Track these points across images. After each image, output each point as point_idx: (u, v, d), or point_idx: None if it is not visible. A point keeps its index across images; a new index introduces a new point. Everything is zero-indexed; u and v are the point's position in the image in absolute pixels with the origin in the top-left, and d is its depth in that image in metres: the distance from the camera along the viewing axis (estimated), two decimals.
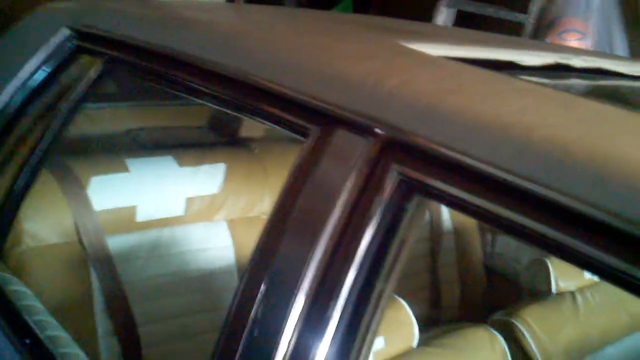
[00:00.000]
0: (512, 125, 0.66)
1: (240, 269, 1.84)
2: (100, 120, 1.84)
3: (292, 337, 0.74)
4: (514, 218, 0.65)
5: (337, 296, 0.73)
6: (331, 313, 0.73)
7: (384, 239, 0.73)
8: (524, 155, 0.63)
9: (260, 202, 1.89)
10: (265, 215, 1.89)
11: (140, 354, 1.61)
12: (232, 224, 1.85)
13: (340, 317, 0.73)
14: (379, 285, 0.73)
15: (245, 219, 1.87)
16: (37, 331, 1.11)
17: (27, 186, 1.35)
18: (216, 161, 1.83)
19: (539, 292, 1.76)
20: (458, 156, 0.67)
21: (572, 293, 1.74)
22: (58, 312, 1.32)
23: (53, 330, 1.15)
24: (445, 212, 2.30)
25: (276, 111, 0.85)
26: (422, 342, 1.32)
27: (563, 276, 1.74)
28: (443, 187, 0.70)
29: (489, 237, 2.41)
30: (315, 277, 0.74)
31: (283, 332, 0.74)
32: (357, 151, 0.74)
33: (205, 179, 1.79)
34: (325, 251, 0.74)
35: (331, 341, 0.73)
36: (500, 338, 1.44)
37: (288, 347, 0.74)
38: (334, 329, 0.73)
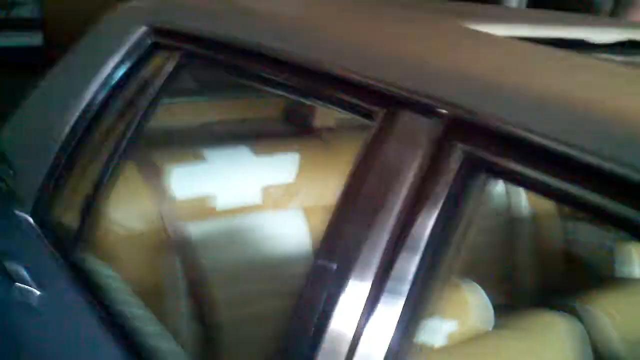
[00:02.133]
0: (576, 100, 0.66)
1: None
2: (179, 114, 1.92)
3: (359, 320, 0.77)
4: (580, 193, 0.65)
5: (404, 279, 0.75)
6: (398, 296, 0.75)
7: (451, 219, 0.74)
8: (587, 130, 0.63)
9: (334, 190, 1.92)
10: None
11: (221, 337, 1.68)
12: (307, 211, 1.89)
13: (407, 300, 0.75)
14: (443, 268, 0.75)
15: (320, 207, 1.91)
16: (125, 311, 1.18)
17: (114, 178, 1.43)
18: (290, 151, 1.87)
19: (620, 278, 1.71)
20: (522, 132, 0.68)
21: None
22: (145, 295, 1.40)
23: (138, 309, 1.23)
24: (523, 198, 2.26)
25: (342, 96, 0.88)
26: (498, 326, 1.32)
27: None
28: (508, 165, 0.70)
29: (569, 223, 2.35)
30: (382, 260, 0.76)
31: (351, 316, 0.77)
32: (422, 132, 0.76)
33: (281, 168, 1.84)
34: (392, 233, 0.76)
35: (397, 324, 0.75)
36: (579, 324, 1.41)
37: (356, 330, 0.77)
38: (401, 313, 0.75)
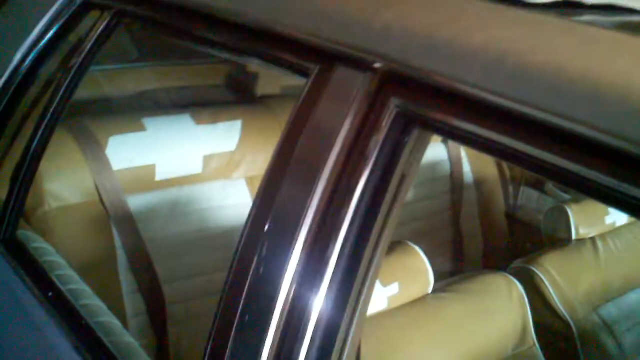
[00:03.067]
0: (508, 51, 0.64)
1: None
2: (117, 80, 1.86)
3: (292, 278, 0.75)
4: (513, 144, 0.64)
5: (337, 236, 0.73)
6: (331, 254, 0.73)
7: (384, 174, 0.73)
8: (520, 80, 0.62)
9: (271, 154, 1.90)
10: None
11: (164, 310, 1.64)
12: (250, 181, 1.86)
13: (339, 258, 0.73)
14: (378, 225, 0.73)
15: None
16: (60, 285, 1.14)
17: (44, 146, 1.37)
18: (232, 119, 1.83)
19: (560, 239, 1.75)
20: (455, 84, 0.66)
21: (593, 239, 1.73)
22: (82, 270, 1.35)
23: (75, 284, 1.19)
24: (465, 164, 2.28)
25: (277, 53, 0.85)
26: (438, 289, 1.33)
27: (583, 223, 1.73)
28: (442, 118, 0.69)
29: (510, 188, 2.39)
30: (315, 217, 0.74)
31: (284, 274, 0.75)
32: (355, 87, 0.74)
33: (222, 136, 1.80)
34: (325, 189, 0.74)
35: (330, 283, 0.73)
36: (517, 284, 1.44)
37: (289, 288, 0.75)
38: (333, 270, 0.74)
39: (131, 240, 1.62)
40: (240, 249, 0.79)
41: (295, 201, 0.74)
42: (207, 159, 1.76)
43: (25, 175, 1.36)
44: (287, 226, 0.74)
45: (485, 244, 2.30)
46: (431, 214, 2.19)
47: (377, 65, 0.73)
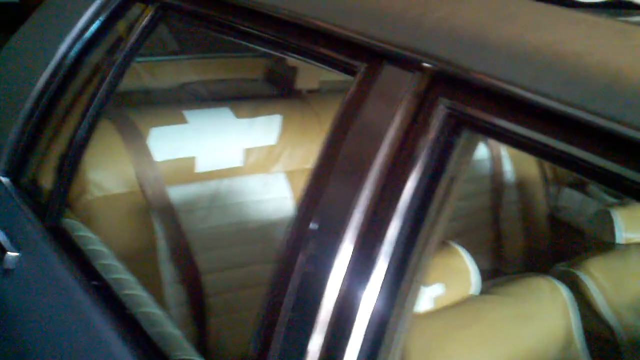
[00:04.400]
0: (562, 53, 0.62)
1: None
2: (157, 72, 1.87)
3: (340, 277, 0.74)
4: (564, 148, 0.62)
5: (384, 237, 0.72)
6: (378, 254, 0.72)
7: (433, 175, 0.71)
8: (573, 83, 0.60)
9: (316, 153, 1.89)
10: None
11: (204, 300, 1.66)
12: (290, 175, 1.86)
13: (387, 258, 0.72)
14: (427, 226, 0.72)
15: (303, 171, 1.88)
16: (104, 274, 1.15)
17: (89, 137, 1.39)
18: (272, 113, 1.83)
19: (604, 243, 1.70)
20: (506, 86, 0.65)
21: (639, 245, 1.68)
22: (124, 259, 1.37)
23: (119, 274, 1.20)
24: (506, 164, 2.24)
25: (324, 50, 0.84)
26: (483, 290, 1.31)
27: (629, 227, 1.68)
28: (493, 120, 0.68)
29: (553, 189, 2.34)
30: (362, 217, 0.73)
31: (330, 276, 0.74)
32: (403, 86, 0.73)
33: (262, 130, 1.80)
34: (373, 192, 0.73)
35: (377, 283, 0.73)
36: (563, 288, 1.40)
37: (337, 287, 0.74)
38: (381, 273, 0.73)
39: (172, 231, 1.63)
40: (285, 246, 0.79)
41: (342, 200, 0.73)
42: (247, 152, 1.76)
43: (70, 164, 1.38)
44: (334, 225, 0.73)
45: (525, 245, 2.26)
46: (471, 214, 2.16)
47: (426, 65, 0.72)
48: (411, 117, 0.71)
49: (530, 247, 2.26)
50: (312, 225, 0.77)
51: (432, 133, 0.70)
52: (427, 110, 0.70)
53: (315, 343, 0.73)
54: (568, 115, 0.61)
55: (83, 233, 1.33)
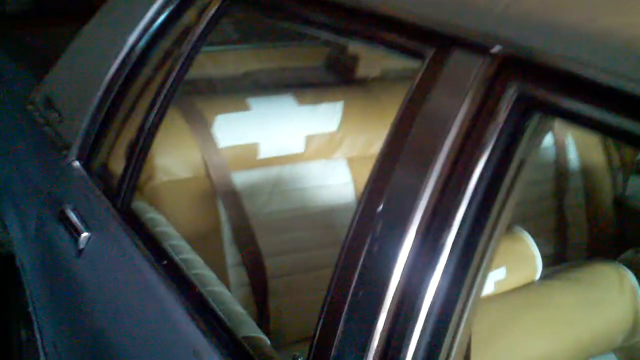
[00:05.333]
0: (637, 36, 0.62)
1: None
2: (220, 61, 1.91)
3: (404, 267, 0.75)
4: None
5: (451, 222, 0.73)
6: (445, 240, 0.73)
7: (502, 161, 0.71)
8: None
9: (379, 140, 1.89)
10: None
11: (265, 283, 1.69)
12: (351, 161, 1.87)
13: (454, 244, 0.73)
14: (495, 212, 0.72)
15: (364, 157, 1.89)
16: (173, 254, 1.19)
17: (158, 124, 1.43)
18: (334, 100, 1.85)
19: None
20: (580, 69, 0.64)
21: None
22: (189, 241, 1.41)
23: (187, 254, 1.24)
24: (571, 151, 2.20)
25: (389, 36, 0.85)
26: (547, 276, 1.30)
27: None
28: (564, 103, 0.67)
29: (620, 176, 2.28)
30: (429, 203, 0.74)
31: (396, 262, 0.75)
32: (473, 71, 0.73)
33: (324, 117, 1.82)
34: (440, 175, 0.73)
35: (444, 268, 0.73)
36: (630, 275, 1.38)
37: (401, 277, 0.76)
38: (448, 258, 0.73)
39: (236, 215, 1.67)
40: (352, 230, 0.80)
41: (409, 187, 0.74)
42: (309, 139, 1.78)
43: (140, 150, 1.43)
44: (401, 212, 0.74)
45: (591, 232, 2.21)
46: (534, 200, 2.12)
47: (496, 49, 0.72)
48: (480, 102, 0.72)
49: (596, 234, 2.21)
50: (379, 210, 0.78)
51: (501, 118, 0.70)
52: (496, 95, 0.70)
53: (380, 327, 0.75)
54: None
55: (152, 215, 1.38)
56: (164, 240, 1.25)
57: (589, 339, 1.26)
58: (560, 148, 2.17)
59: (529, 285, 1.25)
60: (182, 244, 1.27)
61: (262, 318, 1.68)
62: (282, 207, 1.75)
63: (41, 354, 1.56)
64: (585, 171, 2.22)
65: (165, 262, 1.16)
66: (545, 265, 1.30)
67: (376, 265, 0.77)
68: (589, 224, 2.22)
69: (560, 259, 2.13)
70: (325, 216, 1.82)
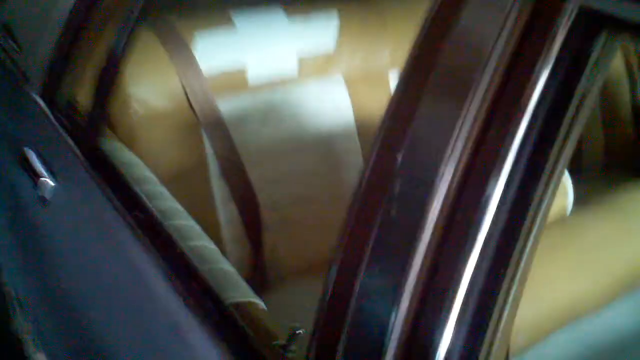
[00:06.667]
0: None
1: (360, 130, 1.71)
2: None
3: (438, 208, 0.59)
4: None
5: (497, 176, 0.55)
6: (488, 198, 0.56)
7: (559, 91, 0.54)
8: None
9: (380, 56, 1.71)
10: (389, 71, 1.72)
11: (259, 217, 1.55)
12: (349, 81, 1.70)
13: (501, 203, 0.56)
14: (553, 155, 0.55)
15: (364, 76, 1.71)
16: (148, 205, 1.03)
17: (128, 48, 1.25)
18: (328, 13, 1.64)
19: None
20: None
21: None
22: (172, 180, 1.26)
23: (166, 202, 1.08)
24: None
25: None
26: (577, 208, 1.14)
27: None
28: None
29: (638, 80, 2.11)
30: (466, 144, 0.56)
31: (423, 228, 0.59)
32: None
33: (318, 34, 1.62)
34: (480, 109, 0.56)
35: (488, 233, 0.57)
36: None
37: (429, 246, 0.59)
38: (494, 217, 0.57)
39: (223, 146, 1.51)
40: (363, 185, 0.63)
41: (440, 125, 0.57)
42: (302, 61, 1.60)
43: (109, 80, 1.25)
44: (428, 158, 0.57)
45: (607, 142, 2.06)
46: None
47: None
48: (529, 19, 0.54)
49: (612, 144, 2.07)
50: (395, 150, 0.61)
51: (558, 39, 0.52)
52: (551, 9, 0.52)
53: (404, 309, 0.59)
54: None
55: (124, 156, 1.20)
56: (139, 187, 1.08)
57: (625, 273, 1.13)
58: None
59: (561, 220, 1.10)
60: (161, 189, 1.10)
61: (256, 254, 1.55)
62: (274, 136, 1.58)
63: (16, 306, 1.43)
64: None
65: (138, 214, 0.99)
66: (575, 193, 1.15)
67: (394, 232, 0.60)
68: (605, 133, 2.07)
69: (576, 169, 1.98)
70: (320, 141, 1.66)
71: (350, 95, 1.70)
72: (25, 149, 1.25)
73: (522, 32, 0.53)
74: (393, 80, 1.76)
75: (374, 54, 1.67)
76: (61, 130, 1.24)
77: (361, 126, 1.71)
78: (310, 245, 1.61)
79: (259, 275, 1.53)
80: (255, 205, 1.53)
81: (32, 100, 1.33)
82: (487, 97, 0.54)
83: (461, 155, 0.56)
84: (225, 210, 1.50)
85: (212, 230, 1.47)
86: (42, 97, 1.32)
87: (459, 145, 0.56)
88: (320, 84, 1.66)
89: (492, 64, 0.54)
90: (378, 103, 1.77)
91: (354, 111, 1.70)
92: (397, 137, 0.61)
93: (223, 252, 1.48)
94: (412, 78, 0.60)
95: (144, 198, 1.05)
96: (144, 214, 1.00)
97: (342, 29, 1.62)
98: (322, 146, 1.65)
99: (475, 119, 0.55)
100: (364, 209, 0.63)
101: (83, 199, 1.14)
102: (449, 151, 0.56)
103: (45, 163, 1.21)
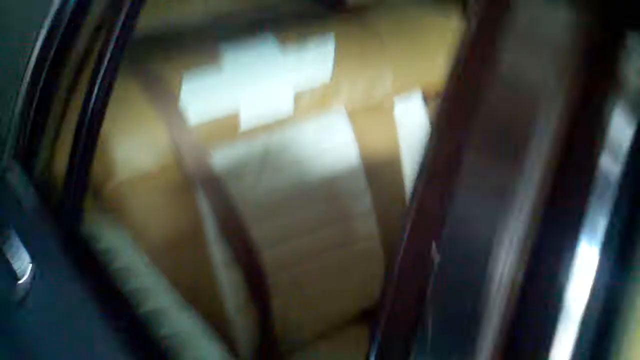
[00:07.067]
0: None
1: (366, 168, 1.56)
2: (185, 8, 1.52)
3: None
4: None
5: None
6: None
7: None
8: None
9: (381, 83, 1.56)
10: (393, 98, 1.58)
11: (265, 281, 1.39)
12: (352, 114, 1.55)
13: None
14: None
15: (368, 108, 1.56)
16: (136, 308, 0.87)
17: (105, 101, 1.10)
18: (324, 36, 1.49)
19: None
20: None
21: None
22: (166, 249, 1.15)
23: (161, 299, 0.92)
24: None
25: None
26: None
27: None
28: None
29: None
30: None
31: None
32: None
33: (313, 61, 1.47)
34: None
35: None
36: None
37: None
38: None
39: (219, 204, 1.35)
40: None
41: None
42: (298, 96, 1.44)
43: (86, 142, 1.10)
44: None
45: None
46: None
47: None
48: None
49: None
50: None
51: None
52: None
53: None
54: None
55: (108, 238, 1.04)
56: (125, 279, 0.92)
57: None
58: None
59: None
60: (155, 280, 0.94)
61: (265, 323, 1.39)
62: (274, 186, 1.43)
63: None
64: None
65: (123, 322, 0.83)
66: None
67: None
68: None
69: None
70: (326, 187, 1.50)
71: (354, 128, 1.55)
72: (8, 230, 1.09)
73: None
74: (398, 108, 1.62)
75: (374, 79, 1.53)
76: (38, 202, 1.08)
77: (367, 163, 1.57)
78: (324, 306, 1.47)
79: (269, 346, 1.38)
80: (260, 267, 1.38)
81: (8, 167, 1.17)
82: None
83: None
84: (227, 276, 1.34)
85: (213, 299, 1.32)
86: (18, 163, 1.16)
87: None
88: (320, 120, 1.51)
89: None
90: (384, 135, 1.64)
91: (359, 147, 1.55)
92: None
93: (227, 323, 1.33)
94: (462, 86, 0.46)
95: (133, 298, 0.89)
96: (129, 323, 0.83)
97: (339, 54, 1.47)
98: (326, 192, 1.50)
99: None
100: None
101: (58, 298, 0.97)
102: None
103: (23, 245, 1.05)
